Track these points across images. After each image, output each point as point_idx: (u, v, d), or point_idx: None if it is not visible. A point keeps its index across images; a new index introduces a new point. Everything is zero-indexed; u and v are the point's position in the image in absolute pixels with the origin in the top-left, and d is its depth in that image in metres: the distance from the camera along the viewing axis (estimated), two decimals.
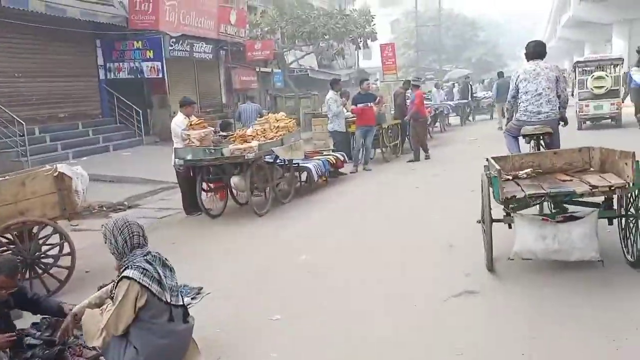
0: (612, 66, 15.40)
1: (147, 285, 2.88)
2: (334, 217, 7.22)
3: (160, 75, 16.13)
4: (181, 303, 3.09)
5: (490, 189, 4.36)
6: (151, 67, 16.12)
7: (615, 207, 4.56)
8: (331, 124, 11.16)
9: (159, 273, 2.97)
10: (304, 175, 8.98)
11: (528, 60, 6.13)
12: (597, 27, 44.37)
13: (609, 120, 15.02)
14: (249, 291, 4.58)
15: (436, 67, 42.28)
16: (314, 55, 26.34)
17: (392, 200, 7.93)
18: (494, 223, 4.44)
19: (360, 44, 23.26)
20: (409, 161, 11.43)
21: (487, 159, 4.74)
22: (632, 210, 4.33)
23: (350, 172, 10.52)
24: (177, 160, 7.39)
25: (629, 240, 4.40)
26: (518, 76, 6.11)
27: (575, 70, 16.56)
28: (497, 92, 17.90)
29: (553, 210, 4.70)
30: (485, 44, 51.35)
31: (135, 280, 2.86)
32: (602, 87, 14.61)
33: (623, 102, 15.39)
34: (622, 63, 15.74)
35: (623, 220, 4.50)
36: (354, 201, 8.14)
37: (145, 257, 3.00)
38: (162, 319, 2.94)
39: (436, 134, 17.28)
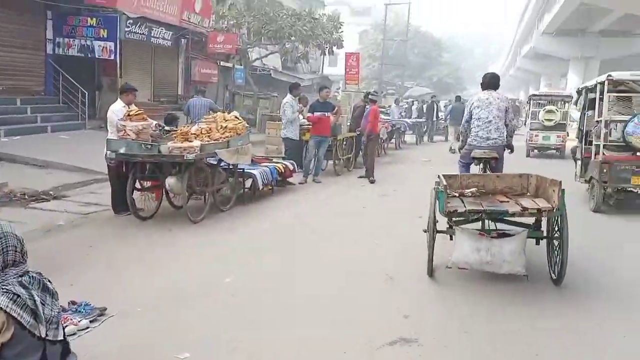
0: (562, 102, 17.04)
1: (17, 316, 2.33)
2: (274, 232, 6.74)
3: (112, 57, 15.24)
4: (60, 338, 2.54)
5: (437, 202, 4.82)
6: (103, 47, 15.22)
7: (543, 228, 5.13)
8: (284, 129, 10.66)
9: (34, 300, 2.41)
10: (249, 182, 8.46)
11: (483, 90, 6.72)
12: (555, 61, 45.98)
13: (554, 151, 16.56)
14: (160, 316, 4.03)
15: (398, 83, 42.53)
16: (279, 55, 25.83)
17: (337, 219, 7.51)
18: (438, 234, 4.94)
19: (326, 50, 22.93)
20: (360, 177, 11.06)
21: (439, 176, 5.13)
22: (557, 232, 4.86)
23: (299, 183, 10.08)
24: (108, 152, 6.75)
25: (552, 259, 4.95)
26: (472, 103, 6.70)
27: (530, 103, 17.96)
28: (450, 114, 18.33)
29: (491, 227, 5.10)
30: (448, 65, 52.16)
31: (1, 308, 2.31)
32: (552, 120, 16.20)
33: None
34: (571, 100, 16.51)
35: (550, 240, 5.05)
36: (298, 216, 7.69)
37: (20, 279, 2.44)
38: (32, 359, 2.40)
39: (391, 151, 17.11)
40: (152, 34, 16.98)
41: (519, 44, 58.48)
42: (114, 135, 6.89)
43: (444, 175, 5.17)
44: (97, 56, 15.27)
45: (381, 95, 36.04)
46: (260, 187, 8.32)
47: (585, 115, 9.34)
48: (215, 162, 7.47)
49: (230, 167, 7.85)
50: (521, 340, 3.73)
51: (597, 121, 8.49)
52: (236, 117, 8.34)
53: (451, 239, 4.95)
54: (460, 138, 7.48)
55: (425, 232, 5.06)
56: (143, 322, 3.91)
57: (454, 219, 4.94)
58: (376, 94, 12.89)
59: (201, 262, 5.36)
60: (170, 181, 6.70)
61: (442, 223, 5.04)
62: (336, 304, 4.32)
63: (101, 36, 15.07)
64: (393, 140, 17.94)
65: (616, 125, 8.25)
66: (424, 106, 22.76)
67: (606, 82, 8.09)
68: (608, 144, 8.25)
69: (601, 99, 8.35)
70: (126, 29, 15.39)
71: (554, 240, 4.90)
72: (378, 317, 4.08)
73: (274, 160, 9.53)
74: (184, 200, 6.81)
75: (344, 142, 11.83)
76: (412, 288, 4.72)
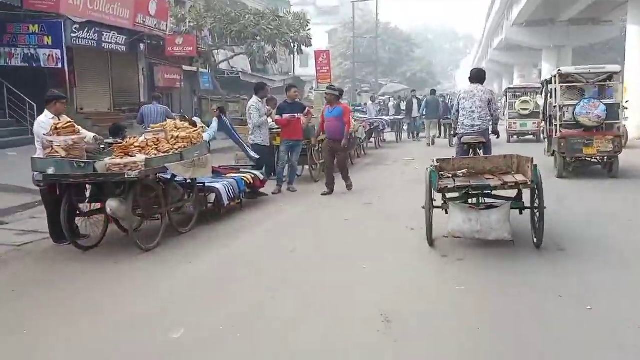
0: (535, 93, 18.74)
1: None
2: (242, 258, 5.59)
3: (60, 65, 13.98)
4: None
5: (431, 181, 5.42)
6: (49, 55, 13.99)
7: (523, 200, 5.76)
8: (252, 135, 9.47)
9: None
10: (213, 196, 7.28)
11: (471, 83, 7.50)
12: (527, 51, 45.76)
13: (531, 136, 18.55)
14: None
15: (372, 80, 41.72)
16: (247, 57, 24.69)
17: (317, 238, 6.38)
18: (434, 210, 5.58)
19: (294, 49, 21.86)
20: (324, 194, 8.92)
21: (433, 160, 5.78)
22: (537, 203, 5.43)
23: (272, 193, 9.00)
24: (35, 173, 5.60)
25: (534, 226, 5.55)
26: (460, 95, 7.63)
27: (506, 95, 20.64)
28: (425, 109, 18.08)
29: (481, 201, 5.81)
30: (420, 61, 51.55)
31: None
32: (527, 109, 18.19)
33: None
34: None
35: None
36: (270, 236, 6.55)
37: None
38: None
39: (371, 150, 16.16)
40: (104, 39, 15.74)
41: (489, 36, 58.29)
42: (42, 152, 5.73)
43: (437, 159, 5.85)
44: (43, 65, 14.04)
45: (356, 93, 35.20)
46: (226, 203, 7.19)
47: (548, 102, 11.35)
48: (169, 178, 6.35)
49: (189, 181, 6.74)
50: None
51: (554, 106, 10.38)
52: (194, 124, 7.24)
53: (446, 212, 5.55)
54: (453, 127, 7.92)
55: (423, 208, 5.63)
56: None
57: (447, 195, 5.62)
58: (333, 87, 9.88)
59: (148, 309, 4.23)
60: (111, 204, 5.53)
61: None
62: None
63: (46, 43, 13.86)
64: (372, 140, 17.01)
65: (568, 109, 10.19)
66: (401, 103, 21.79)
67: (557, 76, 10.20)
68: (564, 123, 10.12)
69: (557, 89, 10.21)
70: (72, 35, 14.18)
71: (534, 210, 5.48)
72: None
73: (242, 170, 8.43)
74: (129, 225, 5.67)
75: (319, 145, 10.77)
76: (416, 336, 3.64)
